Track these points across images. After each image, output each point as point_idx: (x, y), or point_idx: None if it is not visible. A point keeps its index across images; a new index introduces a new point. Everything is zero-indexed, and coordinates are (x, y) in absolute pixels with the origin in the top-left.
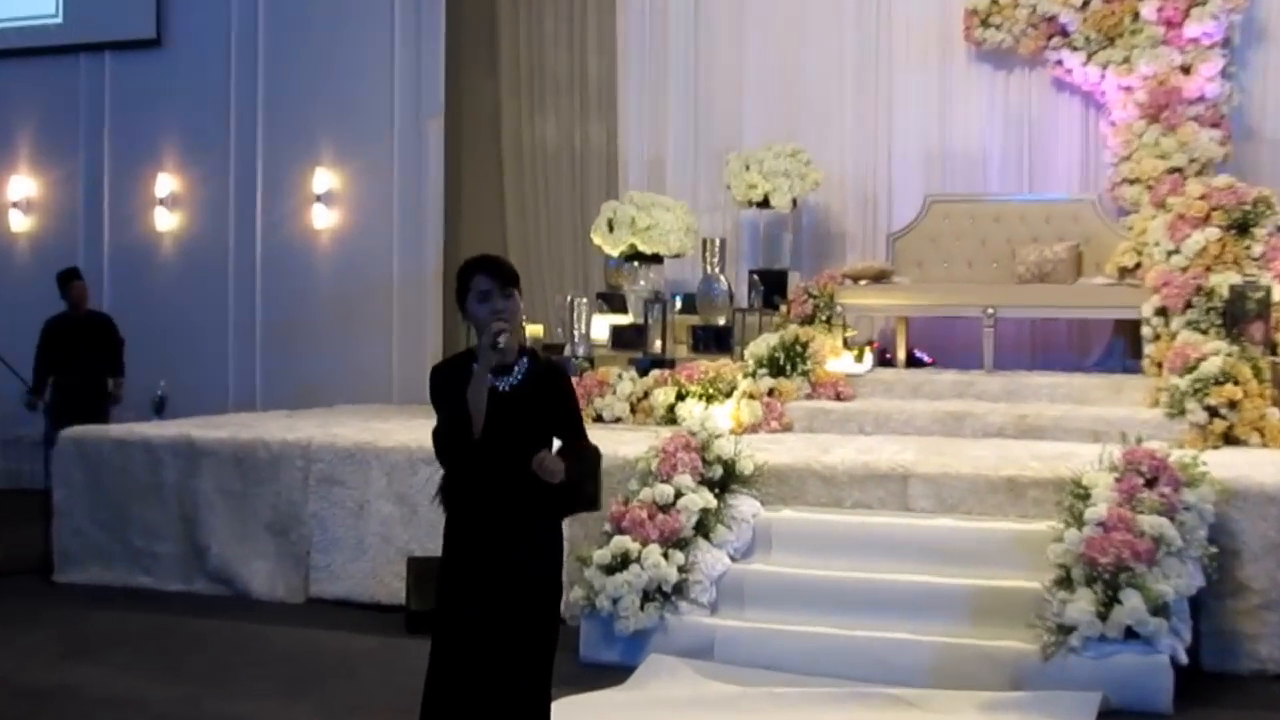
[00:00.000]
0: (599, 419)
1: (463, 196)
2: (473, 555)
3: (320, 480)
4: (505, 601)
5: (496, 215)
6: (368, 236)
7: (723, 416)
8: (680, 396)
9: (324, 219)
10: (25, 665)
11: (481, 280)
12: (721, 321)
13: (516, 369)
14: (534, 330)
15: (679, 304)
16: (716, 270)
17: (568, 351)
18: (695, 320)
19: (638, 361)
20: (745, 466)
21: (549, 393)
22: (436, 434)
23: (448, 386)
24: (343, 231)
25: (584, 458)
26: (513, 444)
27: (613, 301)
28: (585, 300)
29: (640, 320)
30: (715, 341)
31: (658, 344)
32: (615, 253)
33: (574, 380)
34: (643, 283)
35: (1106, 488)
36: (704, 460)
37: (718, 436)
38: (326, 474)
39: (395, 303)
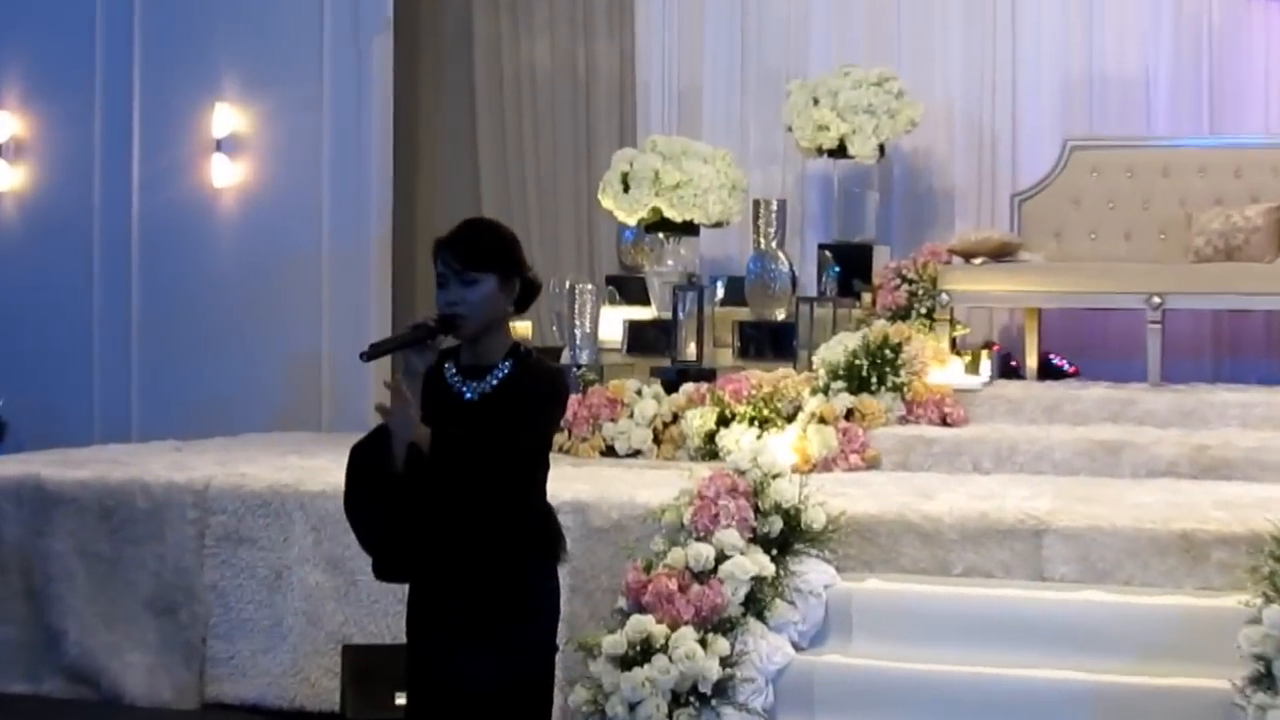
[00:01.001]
0: (610, 452)
1: (419, 142)
2: (425, 651)
3: (221, 539)
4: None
5: (467, 169)
6: (289, 197)
7: (783, 448)
8: (723, 421)
9: (227, 173)
10: None
11: (438, 263)
12: (780, 316)
13: (495, 372)
14: (521, 330)
15: (721, 291)
16: (773, 245)
17: (565, 358)
18: (744, 314)
19: (663, 372)
20: (814, 518)
21: (525, 399)
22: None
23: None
24: (253, 190)
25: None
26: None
27: (629, 288)
28: (590, 287)
29: (667, 314)
30: (772, 344)
31: (691, 347)
32: (632, 220)
33: (575, 400)
34: (671, 262)
35: None
36: (757, 510)
37: (775, 476)
38: (230, 530)
39: (326, 288)
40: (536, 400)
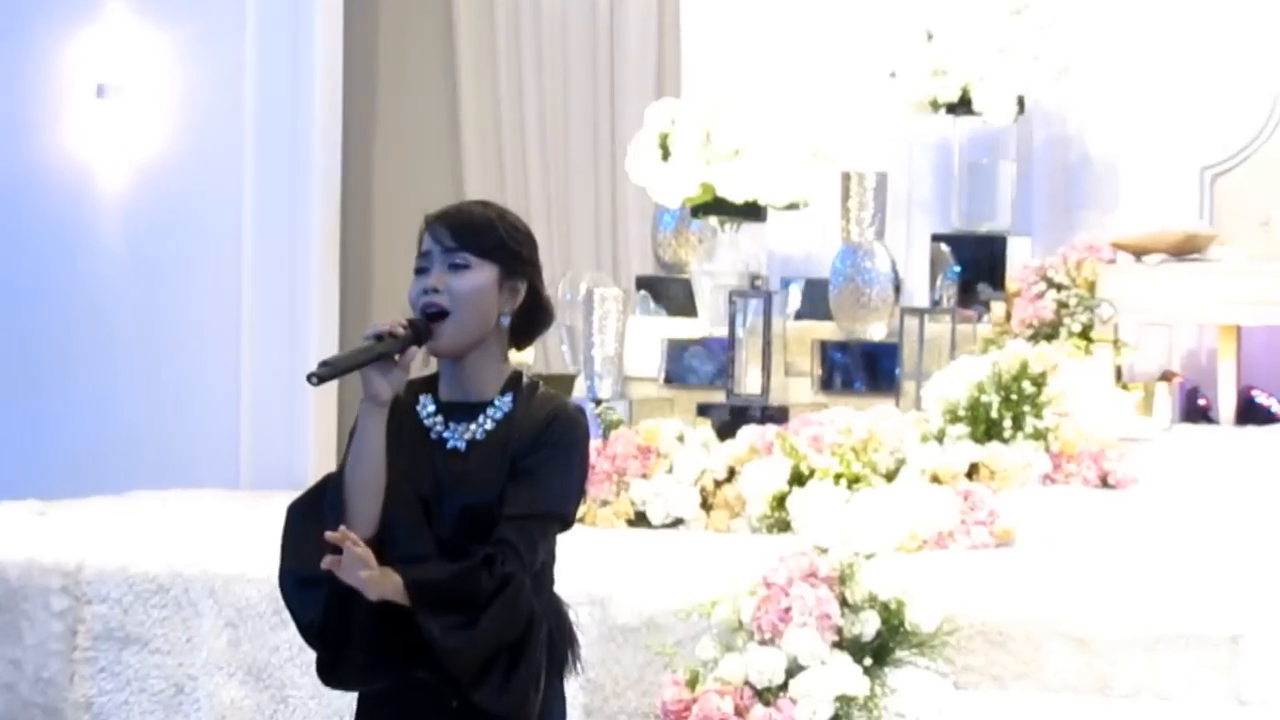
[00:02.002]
0: (640, 520)
1: (379, 94)
2: None
3: (100, 638)
4: None
5: (444, 127)
6: (196, 167)
7: (880, 518)
8: (798, 479)
9: (108, 132)
10: None
11: (425, 240)
12: (878, 334)
13: (489, 410)
14: (518, 359)
15: (796, 299)
16: (869, 235)
17: (579, 389)
18: (828, 331)
19: (715, 410)
20: (923, 616)
21: (530, 446)
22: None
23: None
24: (145, 156)
25: (477, 574)
26: (465, 554)
27: (668, 294)
28: (615, 292)
29: (721, 330)
30: (866, 372)
31: (754, 376)
32: (674, 201)
33: (593, 449)
34: (727, 259)
35: None
36: (844, 604)
37: (870, 557)
38: (112, 626)
39: (248, 295)
40: (555, 456)
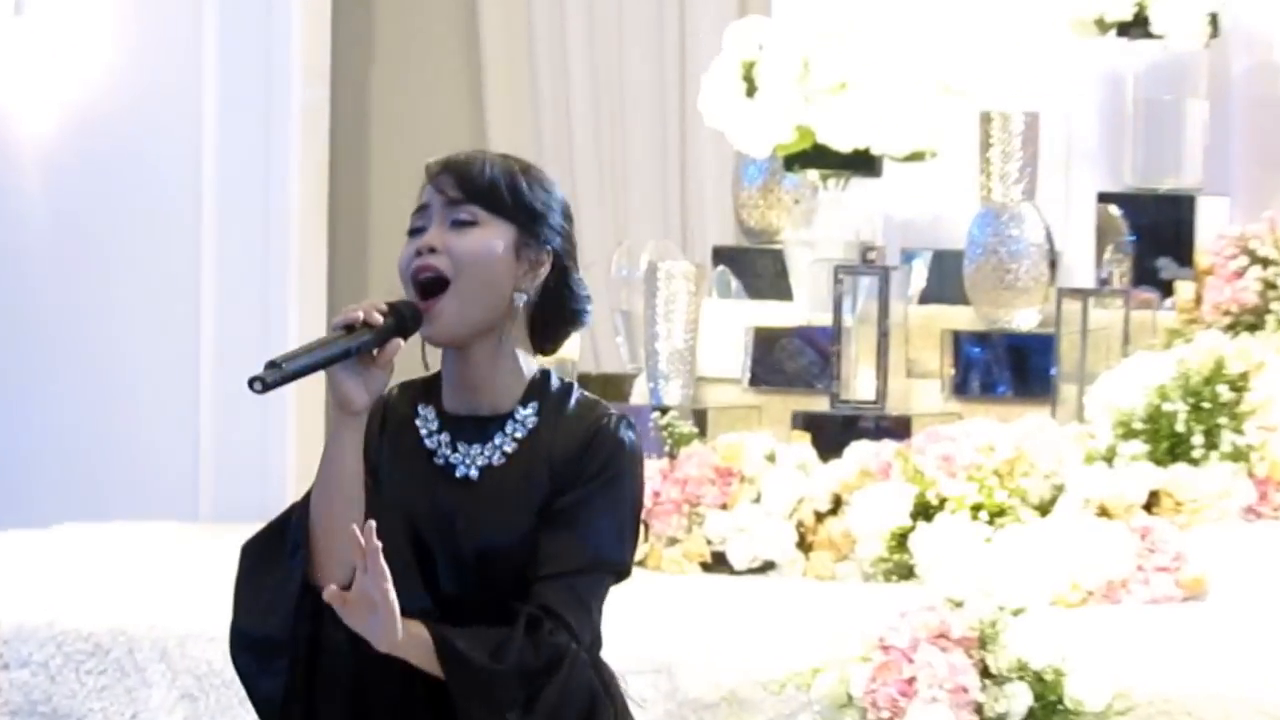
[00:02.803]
0: (719, 563)
1: (377, 21)
2: None
3: (21, 712)
4: None
5: (461, 50)
6: (140, 101)
7: (1032, 563)
8: (924, 512)
9: (23, 54)
10: None
11: (425, 192)
12: (1027, 323)
13: (508, 427)
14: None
15: (922, 277)
16: (1015, 193)
17: (638, 393)
18: (963, 318)
19: (816, 421)
20: (1087, 690)
21: (575, 479)
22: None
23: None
24: (73, 88)
25: (517, 645)
26: (476, 611)
27: (753, 270)
28: (685, 266)
29: (824, 317)
30: (1012, 372)
31: (867, 377)
32: (762, 150)
33: (655, 471)
34: (830, 224)
35: None
36: (985, 673)
37: (1018, 614)
38: (36, 698)
39: (209, 284)
40: (601, 491)
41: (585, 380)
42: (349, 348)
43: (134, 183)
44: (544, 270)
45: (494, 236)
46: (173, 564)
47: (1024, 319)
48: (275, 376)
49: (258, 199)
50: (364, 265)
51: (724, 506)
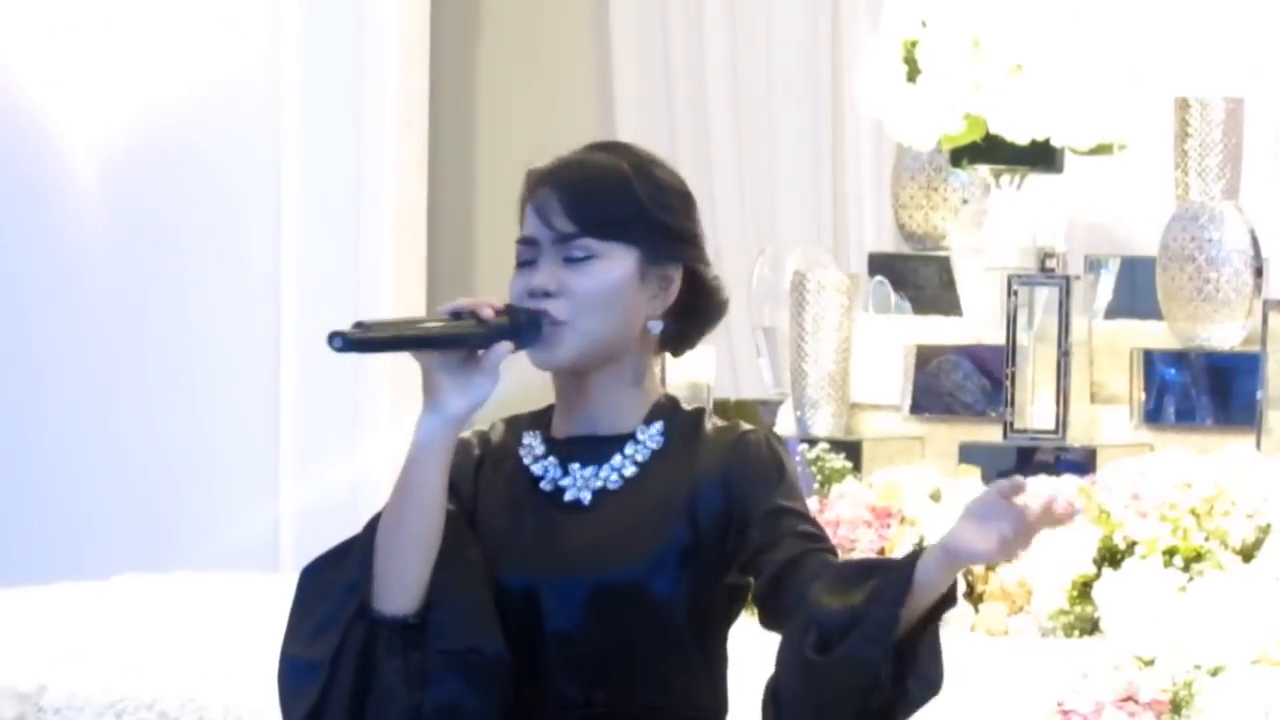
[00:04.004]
0: None
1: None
2: None
3: None
4: None
5: (585, 25)
6: (219, 102)
7: (1233, 615)
8: (1111, 557)
9: (80, 62)
10: None
11: (527, 214)
12: (1229, 340)
13: (628, 448)
14: (691, 379)
15: (1109, 288)
16: (1215, 191)
17: (783, 422)
18: (1156, 335)
19: (986, 455)
20: None
21: (727, 503)
22: None
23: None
24: (141, 92)
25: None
26: (592, 655)
27: (914, 280)
28: (836, 276)
29: (995, 334)
30: (1212, 397)
31: (1043, 403)
32: (925, 140)
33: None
34: (1003, 227)
35: None
36: None
37: (1216, 674)
38: None
39: (291, 283)
40: (772, 462)
41: (722, 406)
42: (449, 335)
43: (206, 192)
44: (675, 287)
45: (616, 270)
46: (248, 621)
47: (1225, 335)
48: (359, 336)
49: (347, 208)
50: (469, 281)
51: (882, 551)
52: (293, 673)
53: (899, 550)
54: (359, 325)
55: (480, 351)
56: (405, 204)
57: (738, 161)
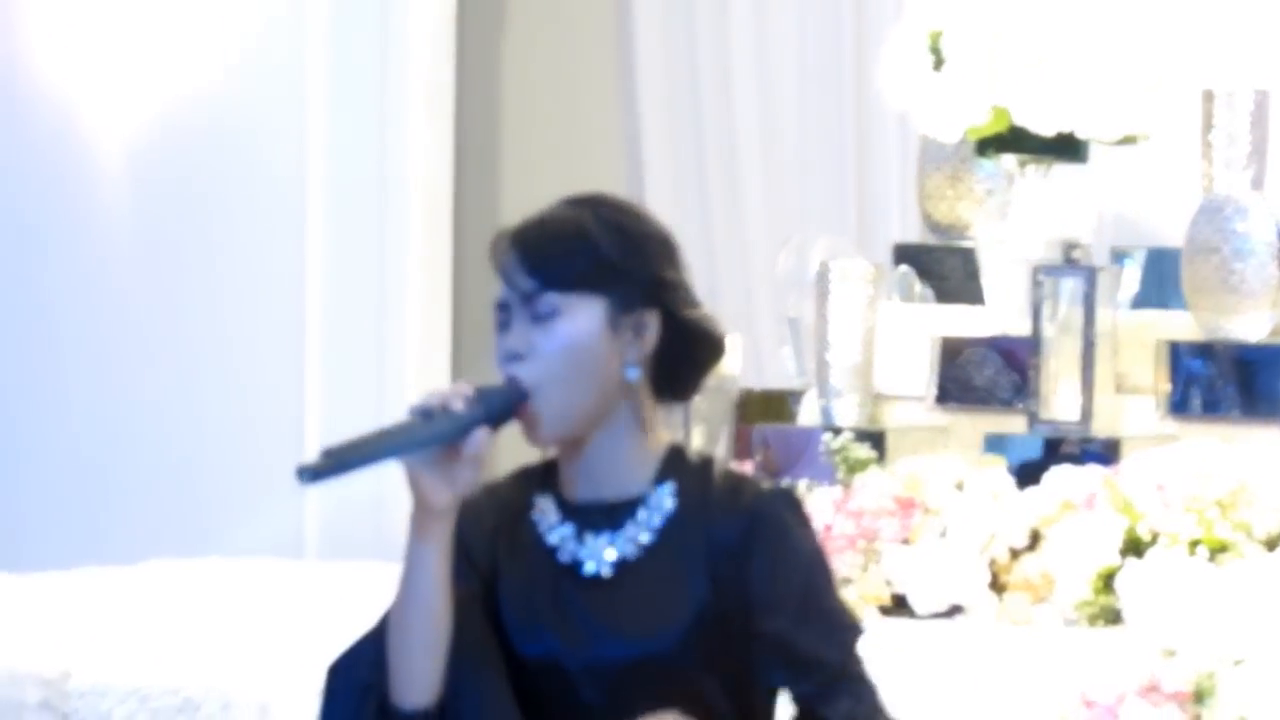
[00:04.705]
0: (900, 607)
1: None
2: None
3: None
4: None
5: (608, 26)
6: (244, 97)
7: (1257, 606)
8: (1135, 548)
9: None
10: None
11: (498, 280)
12: (1255, 332)
13: (641, 513)
14: (717, 371)
15: (1135, 279)
16: (1241, 181)
17: (807, 411)
18: (1180, 327)
19: (1010, 445)
20: None
21: (741, 574)
22: None
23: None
24: (168, 88)
25: None
26: None
27: (939, 270)
28: (862, 266)
29: (1020, 326)
30: (1237, 388)
31: (1071, 394)
32: (951, 131)
33: (834, 501)
34: (1025, 217)
35: None
36: None
37: (1240, 665)
38: None
39: (316, 276)
40: (792, 538)
41: (747, 397)
42: (422, 439)
43: (233, 182)
44: (651, 333)
45: (581, 323)
46: (275, 607)
47: (1251, 327)
48: (327, 465)
49: (372, 195)
50: (495, 280)
51: (905, 542)
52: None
53: (923, 542)
54: (326, 454)
55: (461, 442)
56: (431, 187)
57: (762, 151)
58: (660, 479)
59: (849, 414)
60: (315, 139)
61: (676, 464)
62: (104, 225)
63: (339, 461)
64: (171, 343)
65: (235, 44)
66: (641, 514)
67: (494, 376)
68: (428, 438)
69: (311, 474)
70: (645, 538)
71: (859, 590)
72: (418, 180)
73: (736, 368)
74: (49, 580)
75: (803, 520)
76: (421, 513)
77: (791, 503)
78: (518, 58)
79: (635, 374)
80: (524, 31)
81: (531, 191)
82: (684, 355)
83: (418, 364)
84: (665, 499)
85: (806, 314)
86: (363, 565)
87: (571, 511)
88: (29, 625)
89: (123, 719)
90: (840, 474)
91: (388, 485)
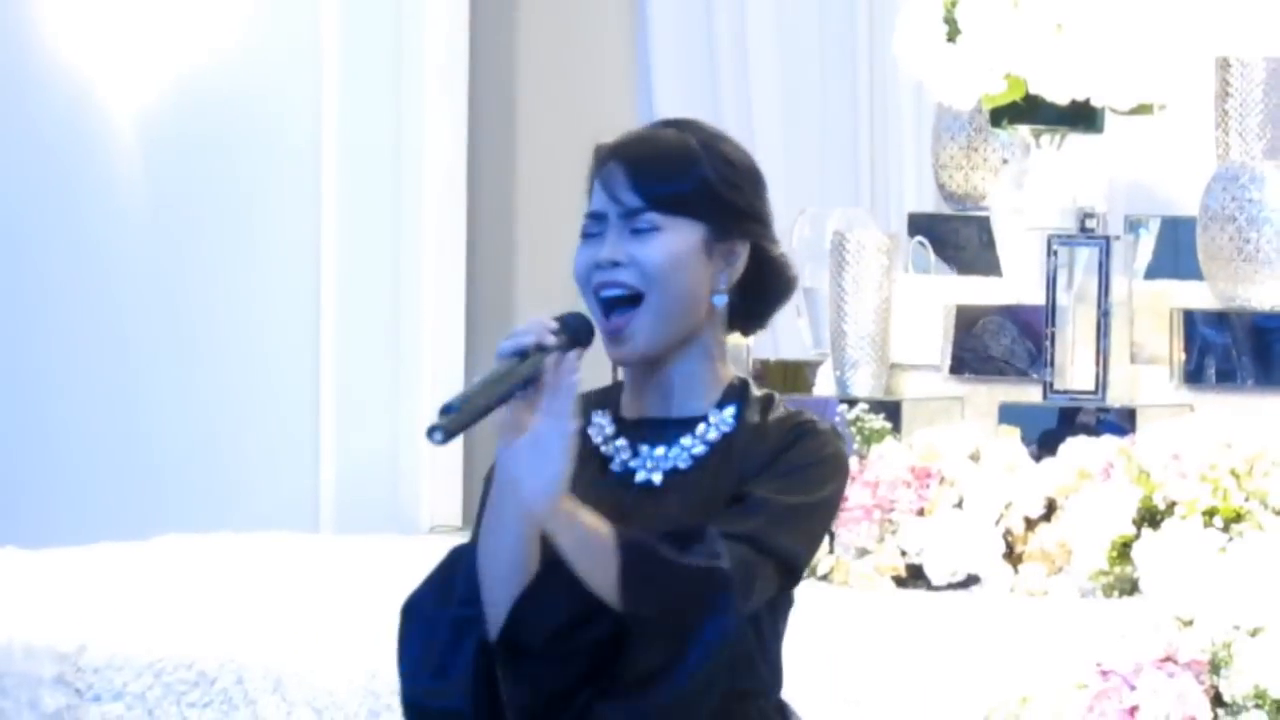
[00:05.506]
0: (916, 577)
1: None
2: None
3: None
4: None
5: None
6: (258, 72)
7: (1269, 577)
8: (1151, 518)
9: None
10: None
11: (594, 188)
12: (1270, 300)
13: (699, 429)
14: (732, 341)
15: (1149, 249)
16: (1256, 151)
17: (823, 382)
18: (1196, 296)
19: (1026, 414)
20: None
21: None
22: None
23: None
24: (182, 63)
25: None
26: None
27: (954, 240)
28: (877, 236)
29: (1035, 295)
30: (1253, 358)
31: (1083, 363)
32: (966, 100)
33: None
34: (1043, 188)
35: None
36: (1218, 701)
37: (1256, 634)
38: None
39: (331, 250)
40: (796, 482)
41: (763, 368)
42: (525, 378)
43: (246, 155)
44: (740, 263)
45: (681, 242)
46: (289, 581)
47: (1266, 296)
48: (454, 423)
49: (387, 172)
50: (510, 249)
51: (921, 513)
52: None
53: (939, 512)
54: (446, 410)
55: (558, 363)
56: (446, 155)
57: (779, 121)
58: (723, 403)
59: (864, 385)
60: (330, 108)
61: (742, 393)
62: (118, 194)
63: (462, 416)
64: (185, 315)
65: (249, 12)
66: (699, 429)
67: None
68: (530, 375)
69: (443, 433)
70: (699, 449)
71: (874, 562)
72: (433, 148)
73: (750, 338)
74: (64, 556)
75: (835, 458)
76: (514, 439)
77: (840, 438)
78: (533, 22)
79: (722, 301)
80: (539, 6)
81: (546, 156)
82: (762, 289)
83: (432, 334)
84: (724, 420)
85: (822, 284)
86: (376, 539)
87: (629, 426)
88: (44, 600)
89: (137, 693)
90: (856, 445)
91: (401, 459)
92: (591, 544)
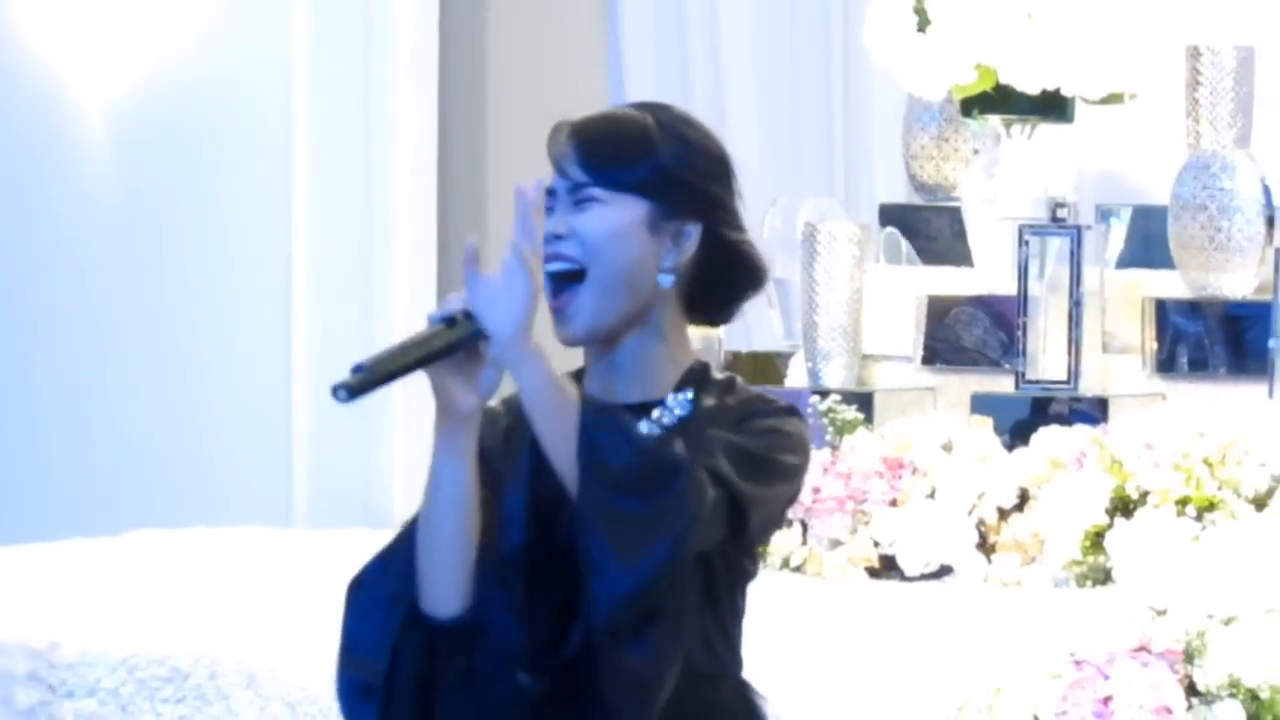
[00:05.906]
0: (889, 568)
1: None
2: None
3: None
4: None
5: None
6: (229, 61)
7: (1246, 565)
8: (1123, 508)
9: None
10: None
11: (554, 172)
12: (1241, 289)
13: (655, 413)
14: (703, 332)
15: (1120, 238)
16: (1226, 139)
17: (795, 373)
18: (1167, 285)
19: (998, 404)
20: None
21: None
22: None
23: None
24: (152, 52)
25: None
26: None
27: (925, 231)
28: (848, 227)
29: (1007, 285)
30: (1225, 346)
31: (1058, 353)
32: (936, 90)
33: (823, 463)
34: (1014, 178)
35: None
36: (1192, 691)
37: (1229, 623)
38: None
39: (302, 241)
40: (756, 437)
41: (734, 359)
42: (449, 343)
43: (216, 146)
44: (691, 244)
45: (623, 215)
46: (262, 576)
47: (1237, 284)
48: (362, 380)
49: (358, 162)
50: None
51: (894, 503)
52: (349, 696)
53: (912, 503)
54: (357, 369)
55: (483, 345)
56: (415, 144)
57: (754, 112)
58: (680, 387)
59: (836, 376)
60: (300, 98)
61: (700, 377)
62: (88, 187)
63: (372, 375)
64: (156, 308)
65: (219, 3)
66: (655, 413)
67: None
68: (452, 343)
69: (347, 391)
70: (654, 434)
71: (848, 552)
72: (403, 137)
73: (722, 329)
74: (35, 552)
75: (798, 436)
76: (447, 418)
77: (796, 421)
78: (504, 9)
79: (668, 280)
80: None
81: (517, 144)
82: (720, 276)
83: (405, 328)
84: (680, 404)
85: (793, 275)
86: (349, 533)
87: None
88: (16, 597)
89: (111, 689)
90: (829, 436)
91: (373, 453)
92: (553, 392)
